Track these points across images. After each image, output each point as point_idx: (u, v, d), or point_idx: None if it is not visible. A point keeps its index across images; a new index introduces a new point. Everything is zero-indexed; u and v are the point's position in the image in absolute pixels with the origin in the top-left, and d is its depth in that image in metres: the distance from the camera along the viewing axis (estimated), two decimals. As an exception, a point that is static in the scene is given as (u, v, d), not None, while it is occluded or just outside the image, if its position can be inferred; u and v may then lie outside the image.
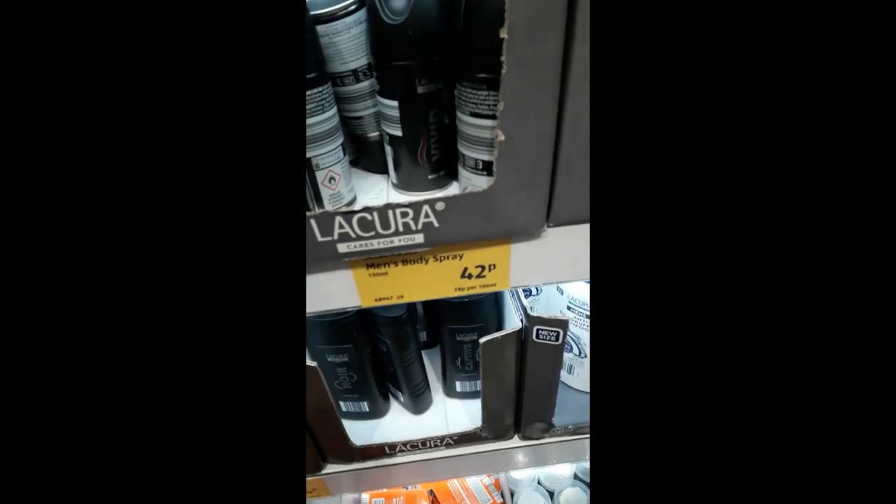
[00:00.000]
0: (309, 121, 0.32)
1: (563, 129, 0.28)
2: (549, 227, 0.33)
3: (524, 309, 0.44)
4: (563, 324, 0.43)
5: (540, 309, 0.59)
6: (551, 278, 0.38)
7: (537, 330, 0.44)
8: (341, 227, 0.30)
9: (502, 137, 0.27)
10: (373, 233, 0.30)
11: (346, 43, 0.34)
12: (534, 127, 0.27)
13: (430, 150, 0.35)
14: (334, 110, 0.33)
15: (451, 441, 0.56)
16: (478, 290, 0.37)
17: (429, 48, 0.31)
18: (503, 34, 0.24)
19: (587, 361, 0.59)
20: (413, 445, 0.55)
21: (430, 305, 0.63)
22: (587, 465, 0.80)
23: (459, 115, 0.31)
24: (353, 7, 0.33)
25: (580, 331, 0.57)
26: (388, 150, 0.37)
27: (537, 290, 0.65)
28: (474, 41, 0.28)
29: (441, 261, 0.35)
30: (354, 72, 0.36)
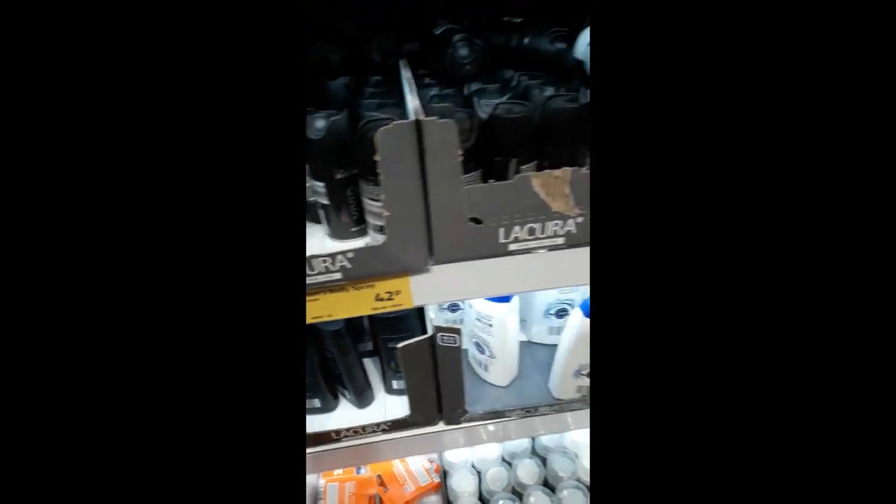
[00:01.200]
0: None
1: (430, 206, 0.44)
2: (433, 265, 0.49)
3: (431, 321, 0.60)
4: (457, 331, 0.58)
5: (466, 321, 0.75)
6: (441, 299, 0.53)
7: (441, 336, 0.59)
8: (284, 271, 0.44)
9: (388, 213, 0.43)
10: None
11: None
12: (407, 206, 0.43)
13: (351, 213, 0.51)
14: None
15: (385, 427, 0.70)
16: (388, 309, 0.52)
17: (340, 156, 0.47)
18: (377, 158, 0.39)
19: (495, 361, 0.74)
20: (355, 431, 0.69)
21: (372, 321, 0.78)
22: (511, 447, 0.95)
23: (363, 196, 0.47)
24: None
25: (487, 336, 0.72)
26: (321, 212, 0.52)
27: (462, 306, 0.80)
28: (363, 158, 0.44)
29: (359, 289, 0.50)
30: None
